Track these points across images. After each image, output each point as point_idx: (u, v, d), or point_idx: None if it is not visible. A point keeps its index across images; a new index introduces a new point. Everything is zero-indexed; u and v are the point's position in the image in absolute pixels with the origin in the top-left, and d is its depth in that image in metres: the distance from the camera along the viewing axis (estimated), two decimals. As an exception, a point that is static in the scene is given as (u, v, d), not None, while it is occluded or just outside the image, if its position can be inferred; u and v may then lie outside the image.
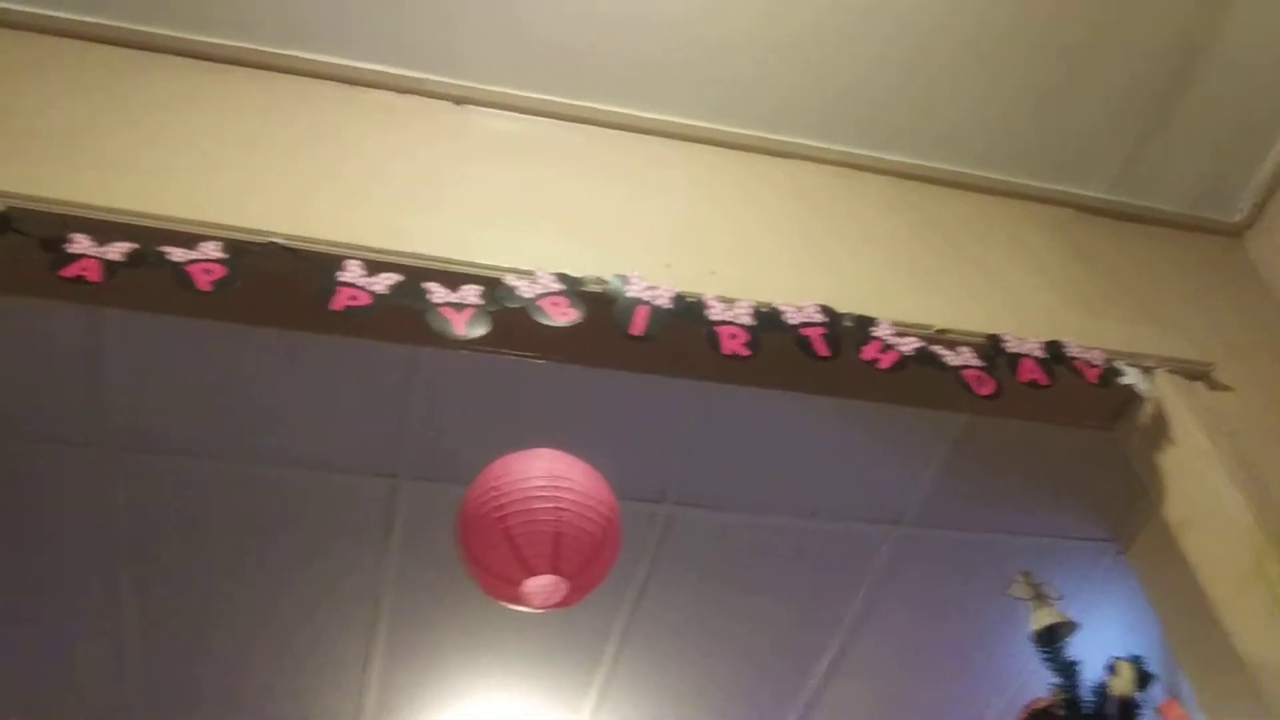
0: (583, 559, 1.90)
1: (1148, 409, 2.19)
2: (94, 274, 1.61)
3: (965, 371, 1.98)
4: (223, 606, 3.15)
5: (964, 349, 2.03)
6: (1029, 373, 2.04)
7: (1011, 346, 2.07)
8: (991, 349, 2.06)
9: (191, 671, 3.32)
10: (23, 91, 1.97)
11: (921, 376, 1.98)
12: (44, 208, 1.72)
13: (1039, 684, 2.28)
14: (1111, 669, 2.23)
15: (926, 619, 3.37)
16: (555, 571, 1.89)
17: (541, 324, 1.79)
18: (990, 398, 1.96)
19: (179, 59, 2.11)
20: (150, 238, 1.69)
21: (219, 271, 1.67)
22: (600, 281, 1.88)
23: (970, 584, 3.23)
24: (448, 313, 1.74)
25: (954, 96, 2.43)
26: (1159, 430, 2.17)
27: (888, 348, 1.96)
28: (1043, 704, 2.27)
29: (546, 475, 1.93)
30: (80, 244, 1.64)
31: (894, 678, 3.56)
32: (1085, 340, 2.15)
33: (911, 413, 2.68)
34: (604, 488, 1.99)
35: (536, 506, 1.88)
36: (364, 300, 1.71)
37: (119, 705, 3.36)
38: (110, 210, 1.74)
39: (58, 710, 3.38)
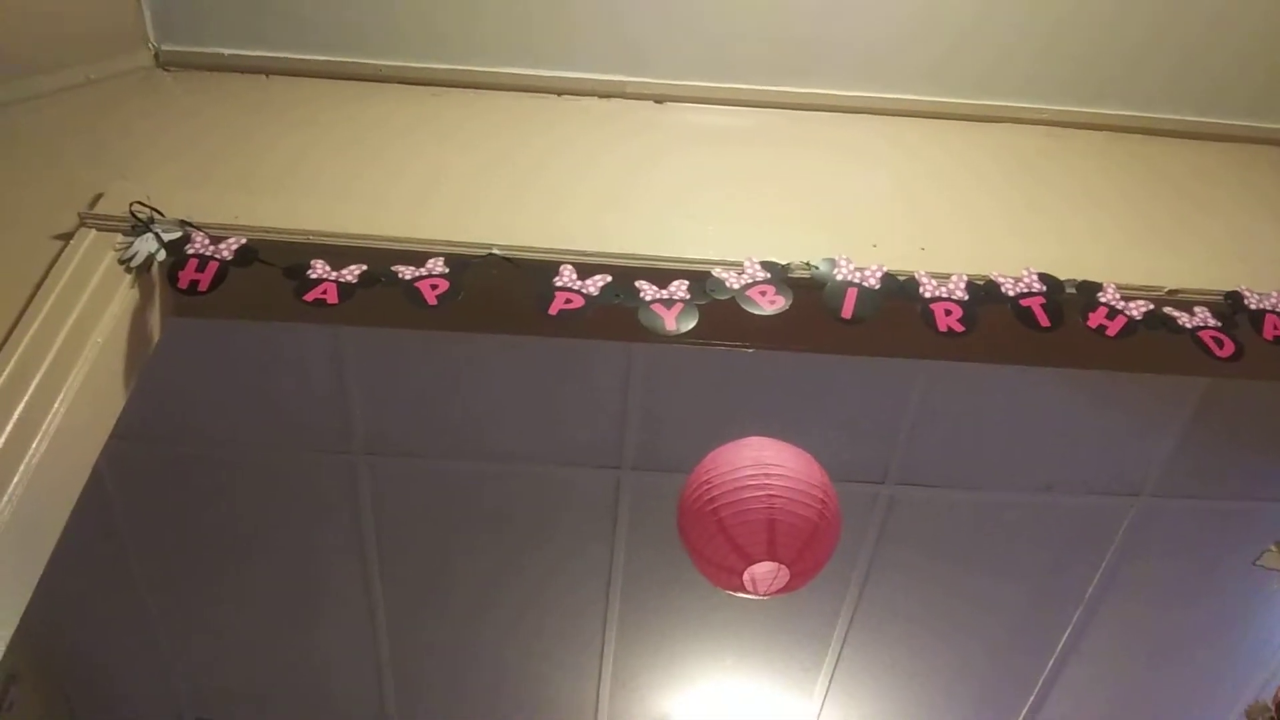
0: (800, 543, 1.89)
1: (1407, 360, 2.00)
2: (333, 296, 1.73)
3: (1202, 333, 1.87)
4: (461, 595, 3.33)
5: (1200, 309, 1.91)
6: (1274, 330, 1.91)
7: (1253, 303, 1.94)
8: (1230, 307, 1.93)
9: (434, 654, 3.52)
10: (253, 130, 2.13)
11: (1155, 341, 1.88)
12: (283, 238, 1.85)
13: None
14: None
15: (1171, 596, 3.21)
16: (773, 558, 1.89)
17: (751, 313, 1.80)
18: (1231, 359, 1.84)
19: (393, 86, 2.23)
20: (379, 258, 1.79)
21: (443, 285, 1.75)
22: (807, 267, 1.87)
23: (1218, 556, 3.06)
24: (659, 309, 1.77)
25: (1169, 40, 2.29)
26: None
27: (1115, 313, 1.87)
28: (1305, 680, 2.10)
29: (755, 463, 1.93)
30: (319, 269, 1.76)
31: (1135, 660, 3.41)
32: (1334, 290, 1.99)
33: (1147, 379, 2.56)
34: (817, 471, 1.97)
35: (747, 495, 1.89)
36: (578, 303, 1.76)
37: (374, 685, 3.59)
38: (342, 235, 1.86)
39: (321, 696, 3.65)
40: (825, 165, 2.21)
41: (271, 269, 1.77)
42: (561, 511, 3.09)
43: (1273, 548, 2.30)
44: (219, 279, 1.75)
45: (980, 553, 3.13)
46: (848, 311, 1.82)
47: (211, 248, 1.79)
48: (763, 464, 1.90)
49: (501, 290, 1.83)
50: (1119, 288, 1.90)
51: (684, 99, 2.29)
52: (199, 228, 1.82)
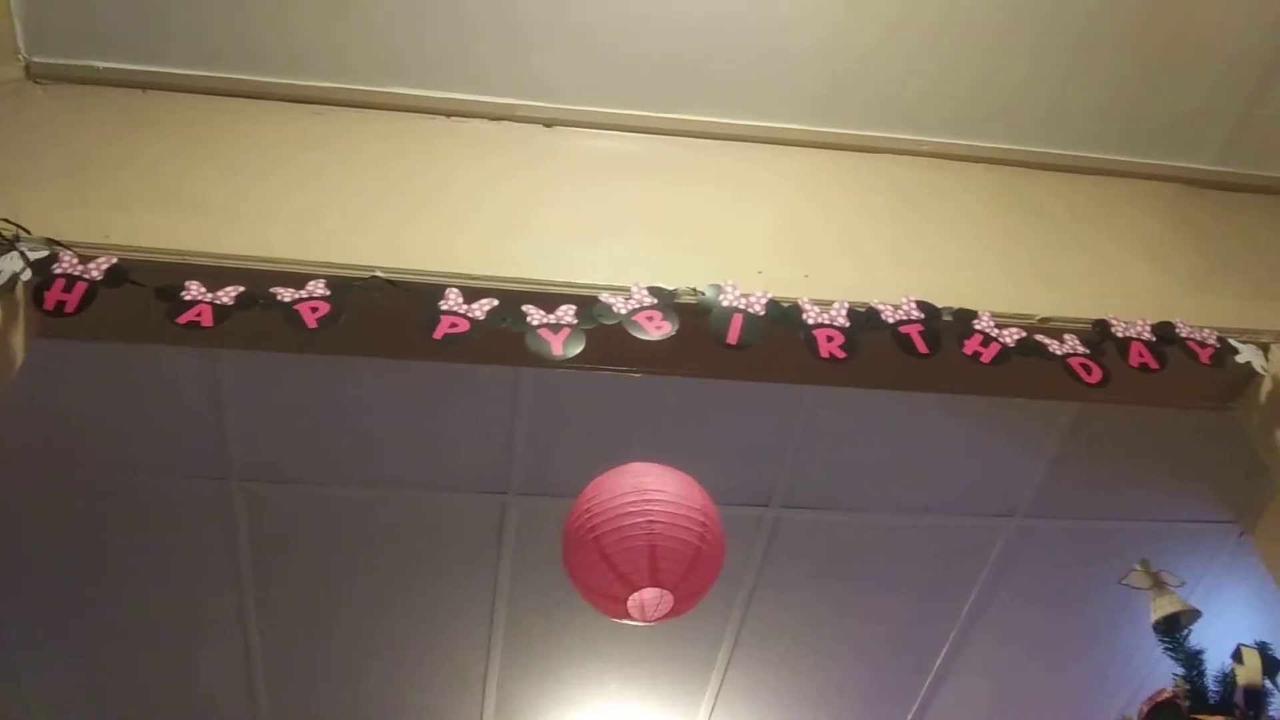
0: (683, 568, 1.89)
1: (1266, 385, 2.11)
2: (208, 319, 1.69)
3: (1072, 360, 1.95)
4: (342, 623, 3.25)
5: (1070, 337, 1.99)
6: (1139, 357, 2.00)
7: (1120, 331, 2.03)
8: (1098, 335, 2.01)
9: (316, 685, 3.43)
10: (133, 147, 2.07)
11: (1028, 367, 1.95)
12: (157, 258, 1.80)
13: (1162, 675, 2.20)
14: (1237, 657, 2.13)
15: (1044, 612, 3.30)
16: (656, 584, 1.88)
17: (638, 338, 1.80)
18: (1098, 385, 1.92)
19: (277, 104, 2.19)
20: (259, 280, 1.75)
21: (324, 308, 1.72)
22: (694, 293, 1.89)
23: (1088, 574, 3.16)
24: (545, 334, 1.77)
25: (1045, 79, 2.38)
26: (1279, 407, 2.09)
27: (989, 340, 1.94)
28: (1166, 696, 2.18)
29: (635, 489, 1.92)
30: (194, 291, 1.71)
31: (1011, 673, 3.50)
32: (1198, 319, 2.09)
33: (1020, 404, 2.64)
34: (699, 495, 1.97)
35: (628, 522, 1.88)
36: (463, 327, 1.75)
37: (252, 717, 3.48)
38: (220, 256, 1.81)
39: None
40: (712, 192, 2.24)
41: (144, 290, 1.71)
42: (446, 538, 3.04)
43: (1138, 567, 2.38)
44: (87, 300, 1.69)
45: (862, 572, 3.18)
46: (733, 337, 1.84)
47: (80, 267, 1.72)
48: (643, 490, 1.90)
49: (385, 313, 1.80)
50: (994, 315, 1.97)
51: (573, 123, 2.29)
52: (67, 246, 1.76)
